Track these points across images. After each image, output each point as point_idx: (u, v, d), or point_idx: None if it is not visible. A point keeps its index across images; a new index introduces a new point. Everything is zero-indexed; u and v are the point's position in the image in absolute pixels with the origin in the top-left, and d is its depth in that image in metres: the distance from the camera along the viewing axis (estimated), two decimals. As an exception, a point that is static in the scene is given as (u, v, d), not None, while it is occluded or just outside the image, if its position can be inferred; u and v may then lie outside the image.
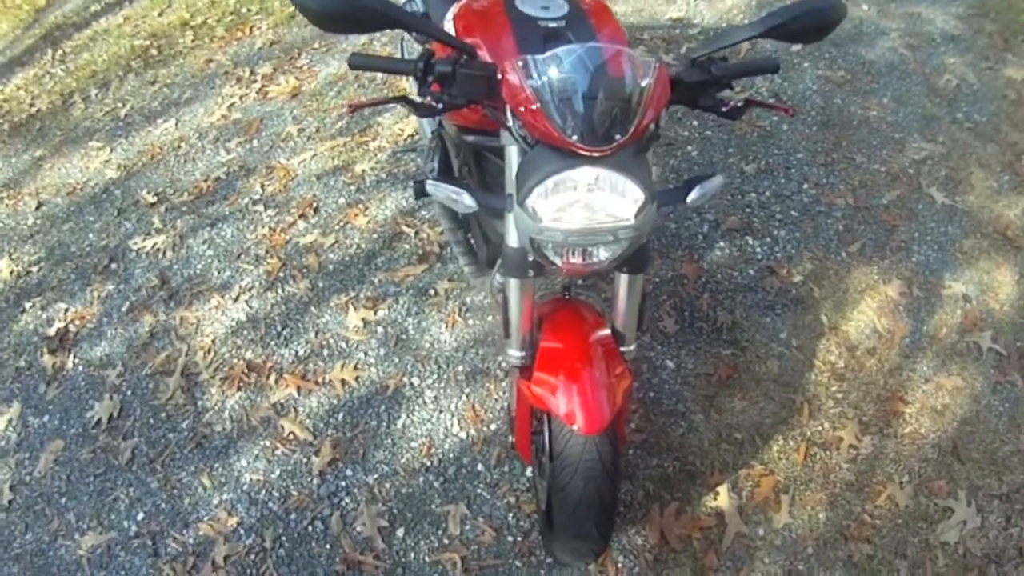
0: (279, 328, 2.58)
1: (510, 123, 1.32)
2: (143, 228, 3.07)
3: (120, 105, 3.83)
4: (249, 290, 2.72)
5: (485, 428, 2.27)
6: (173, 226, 3.04)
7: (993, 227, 2.88)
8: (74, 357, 2.65)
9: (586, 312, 1.68)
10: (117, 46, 4.30)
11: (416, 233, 2.82)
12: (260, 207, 3.03)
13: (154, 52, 4.19)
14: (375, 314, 2.58)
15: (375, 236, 2.84)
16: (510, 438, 2.02)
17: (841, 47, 3.68)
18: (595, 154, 1.19)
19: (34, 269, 3.03)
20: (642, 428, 2.23)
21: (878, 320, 2.52)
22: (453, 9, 1.78)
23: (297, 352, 2.50)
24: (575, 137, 1.18)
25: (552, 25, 1.53)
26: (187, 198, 3.17)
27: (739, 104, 1.40)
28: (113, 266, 2.95)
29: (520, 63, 1.23)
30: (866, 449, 2.19)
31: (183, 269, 2.86)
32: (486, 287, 2.33)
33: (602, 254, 1.34)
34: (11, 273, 3.04)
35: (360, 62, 1.34)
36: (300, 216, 2.96)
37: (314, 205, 2.99)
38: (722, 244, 2.76)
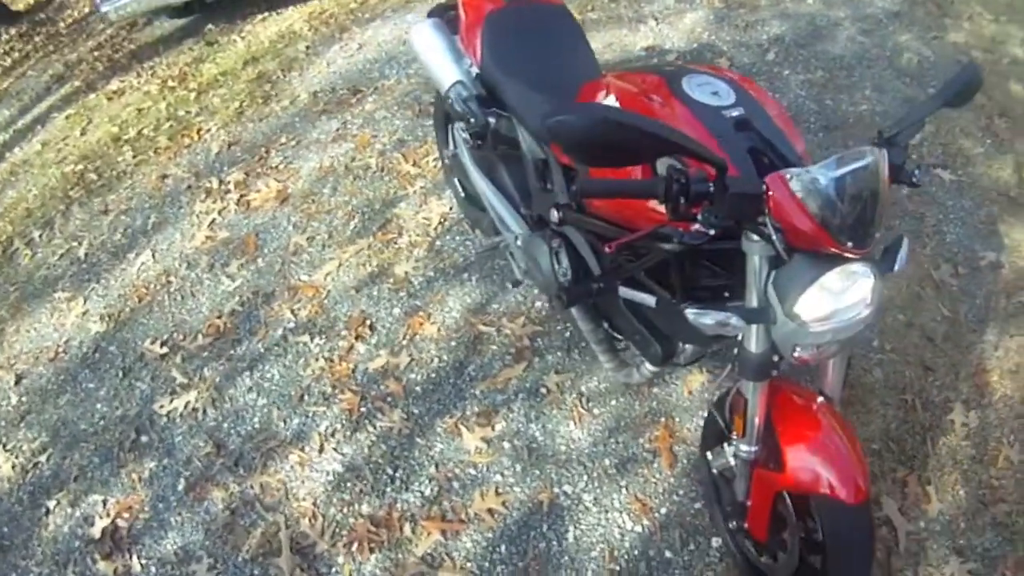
0: (389, 471, 2.29)
1: (774, 236, 1.25)
2: (164, 387, 2.68)
3: (75, 244, 3.38)
4: (332, 436, 2.40)
5: (657, 514, 2.13)
6: (201, 378, 2.67)
7: (996, 191, 3.05)
8: (139, 558, 2.25)
9: (795, 387, 1.66)
10: (45, 176, 3.81)
11: (498, 331, 2.60)
12: (302, 337, 2.71)
13: (93, 176, 3.74)
14: (493, 430, 2.33)
15: (453, 344, 2.59)
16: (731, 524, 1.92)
17: (807, 47, 3.76)
18: (862, 255, 1.22)
19: (42, 458, 2.58)
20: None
21: (942, 306, 2.60)
22: (609, 96, 1.61)
23: (423, 492, 2.22)
24: (850, 243, 1.20)
25: (735, 114, 1.47)
26: (204, 341, 2.80)
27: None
28: (144, 439, 2.55)
29: (788, 177, 1.20)
30: (974, 423, 2.32)
31: (236, 427, 2.50)
32: (631, 379, 2.17)
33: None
34: (13, 467, 2.58)
35: (592, 188, 1.21)
36: (356, 338, 2.66)
37: (367, 322, 2.71)
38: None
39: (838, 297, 1.27)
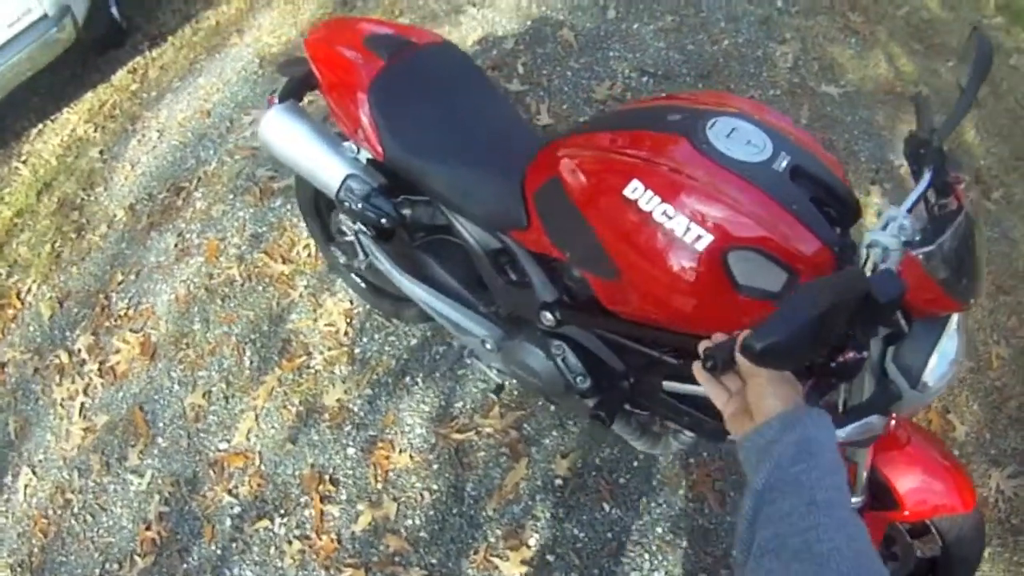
0: (439, 643, 2.01)
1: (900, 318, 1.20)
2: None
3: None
4: (355, 627, 2.08)
5: (730, 560, 2.00)
6: (167, 610, 2.24)
7: (883, 91, 3.07)
8: None
9: None
10: None
11: (478, 433, 2.31)
12: (259, 522, 2.29)
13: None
14: (528, 547, 2.10)
15: (436, 468, 2.28)
16: None
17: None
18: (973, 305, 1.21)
19: None
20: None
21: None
22: (632, 184, 1.28)
23: (490, 655, 1.97)
24: (972, 299, 1.17)
25: (784, 164, 1.26)
26: (145, 563, 2.33)
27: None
28: None
29: (920, 256, 1.09)
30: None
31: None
32: (669, 450, 1.96)
33: None
34: None
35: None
36: (321, 501, 2.29)
37: (324, 478, 2.33)
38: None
39: (950, 349, 1.24)
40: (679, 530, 2.10)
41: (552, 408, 2.30)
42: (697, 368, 0.99)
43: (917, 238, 1.12)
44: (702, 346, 0.99)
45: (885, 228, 1.13)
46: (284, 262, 2.88)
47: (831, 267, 1.20)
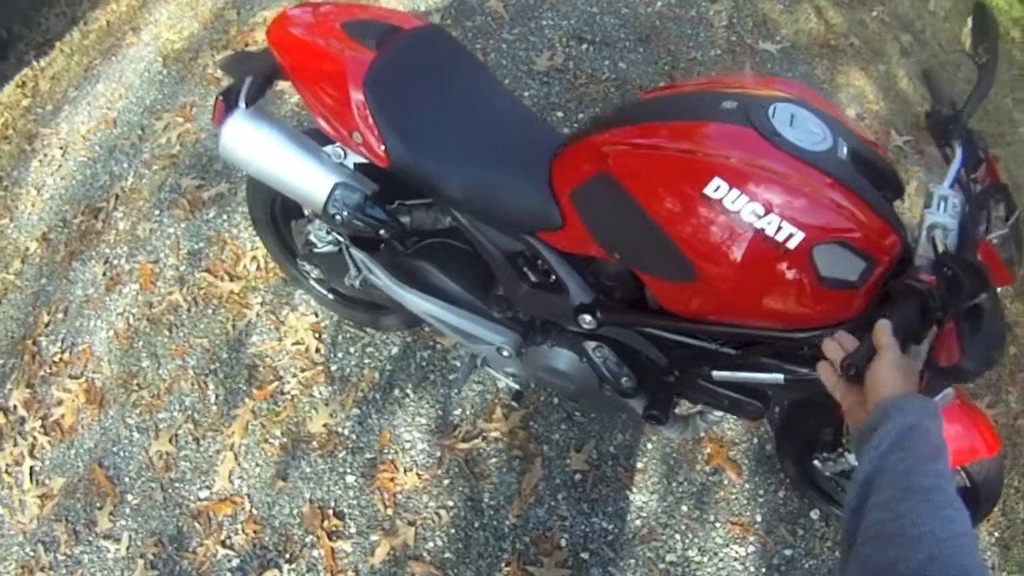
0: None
1: None
2: None
3: None
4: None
5: (756, 524, 2.08)
6: None
7: (817, 44, 3.11)
8: None
9: None
10: None
11: (484, 439, 2.21)
12: (266, 573, 2.13)
13: None
14: (560, 548, 2.04)
15: (447, 483, 2.17)
16: None
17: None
18: None
19: None
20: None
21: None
22: (714, 183, 1.20)
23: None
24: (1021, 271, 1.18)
25: (845, 151, 1.23)
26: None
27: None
28: None
29: (995, 240, 1.12)
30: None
31: None
32: (698, 433, 1.94)
33: None
34: None
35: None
36: (328, 537, 2.15)
37: (327, 512, 2.19)
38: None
39: None
40: (704, 505, 2.09)
41: (556, 402, 2.22)
42: (823, 367, 0.99)
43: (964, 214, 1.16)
44: (830, 352, 0.98)
45: (939, 208, 1.15)
46: (232, 279, 2.66)
47: (899, 250, 1.20)
